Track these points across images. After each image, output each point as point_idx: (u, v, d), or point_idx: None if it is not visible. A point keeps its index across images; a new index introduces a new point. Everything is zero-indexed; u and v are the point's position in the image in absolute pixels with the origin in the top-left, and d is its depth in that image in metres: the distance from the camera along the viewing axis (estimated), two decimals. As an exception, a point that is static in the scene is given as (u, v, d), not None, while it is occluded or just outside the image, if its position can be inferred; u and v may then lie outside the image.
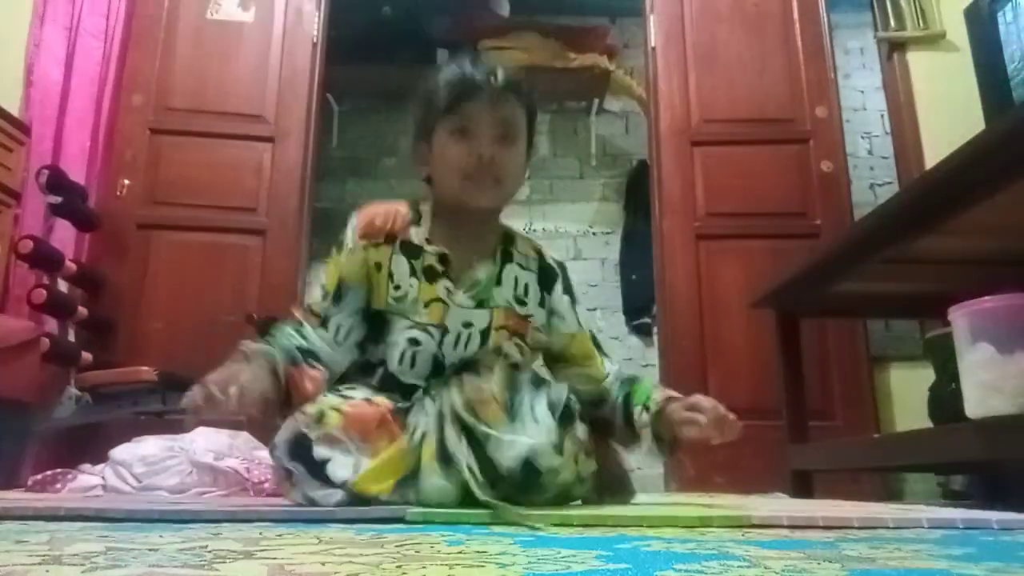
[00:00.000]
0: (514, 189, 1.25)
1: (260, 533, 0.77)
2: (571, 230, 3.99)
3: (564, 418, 1.08)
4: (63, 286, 2.46)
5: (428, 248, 1.23)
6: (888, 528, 0.87)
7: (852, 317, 2.61)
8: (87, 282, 2.61)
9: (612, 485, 1.26)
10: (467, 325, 1.22)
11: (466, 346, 1.22)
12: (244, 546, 0.64)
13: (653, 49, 3.04)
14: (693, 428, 1.22)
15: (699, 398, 1.25)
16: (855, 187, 2.98)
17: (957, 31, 2.82)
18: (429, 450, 1.05)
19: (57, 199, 2.49)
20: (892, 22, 3.01)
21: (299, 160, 2.90)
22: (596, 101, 4.05)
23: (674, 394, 1.30)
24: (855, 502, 1.69)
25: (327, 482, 1.06)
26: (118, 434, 2.18)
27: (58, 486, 1.90)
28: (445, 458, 1.03)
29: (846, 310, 2.28)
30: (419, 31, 3.95)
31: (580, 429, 1.12)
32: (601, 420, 1.30)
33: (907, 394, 2.60)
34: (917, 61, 3.00)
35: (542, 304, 1.31)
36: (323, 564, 0.53)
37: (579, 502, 1.16)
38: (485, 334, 1.23)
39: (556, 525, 0.86)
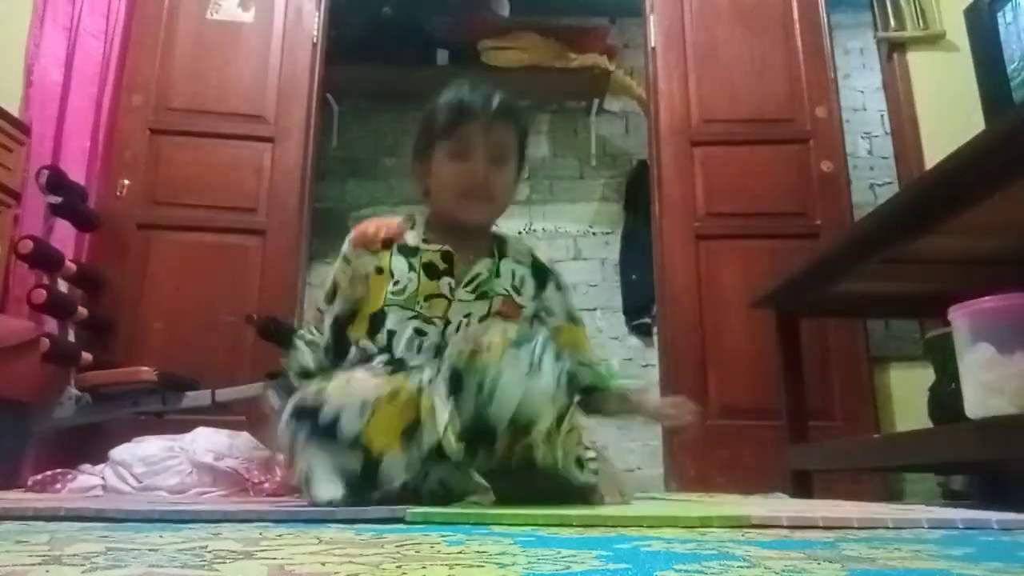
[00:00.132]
0: (505, 205, 1.35)
1: (260, 533, 0.77)
2: (571, 230, 3.99)
3: (569, 381, 1.13)
4: (63, 286, 2.46)
5: (427, 247, 1.31)
6: (888, 528, 0.87)
7: (852, 317, 2.61)
8: (87, 282, 2.61)
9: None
10: (467, 315, 1.29)
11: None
12: (244, 546, 0.64)
13: (653, 49, 3.04)
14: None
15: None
16: (855, 187, 2.97)
17: (957, 31, 2.82)
18: (428, 401, 1.09)
19: (57, 199, 2.49)
20: (892, 22, 3.01)
21: (299, 160, 2.89)
22: (596, 101, 4.04)
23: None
24: (855, 502, 1.69)
25: (337, 446, 1.08)
26: (118, 434, 2.18)
27: (58, 486, 1.90)
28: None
29: (846, 310, 2.28)
30: (419, 31, 3.95)
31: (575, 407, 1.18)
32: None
33: (907, 394, 2.60)
34: (917, 61, 3.00)
35: (535, 298, 1.37)
36: (323, 564, 0.53)
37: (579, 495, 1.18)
38: (483, 321, 1.29)
39: (556, 525, 0.86)
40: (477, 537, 0.73)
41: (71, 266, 2.47)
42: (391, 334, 1.27)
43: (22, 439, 2.29)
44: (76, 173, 2.67)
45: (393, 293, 1.29)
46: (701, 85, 2.96)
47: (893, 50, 3.03)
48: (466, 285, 1.30)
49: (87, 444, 2.34)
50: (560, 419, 1.11)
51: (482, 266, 1.33)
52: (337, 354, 1.33)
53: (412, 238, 1.34)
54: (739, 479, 2.44)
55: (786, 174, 2.85)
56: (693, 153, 2.90)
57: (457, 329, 1.26)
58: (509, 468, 1.09)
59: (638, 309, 3.74)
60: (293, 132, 2.91)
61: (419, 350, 1.25)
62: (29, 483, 1.96)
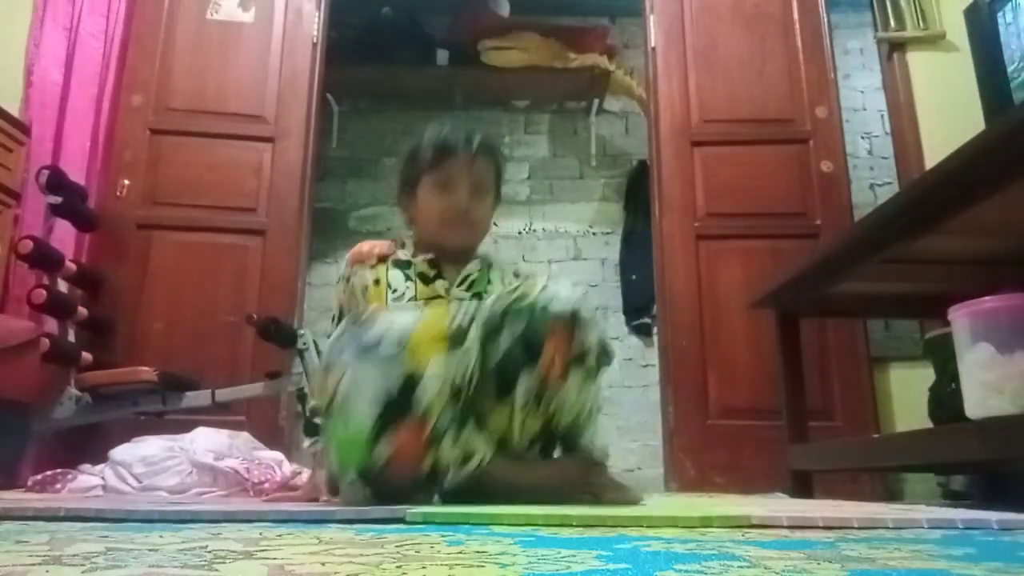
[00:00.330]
0: (485, 232, 1.49)
1: (260, 533, 0.77)
2: (571, 230, 3.99)
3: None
4: (63, 286, 2.46)
5: (416, 259, 1.43)
6: (888, 528, 0.87)
7: (852, 317, 2.61)
8: (87, 282, 2.61)
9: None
10: None
11: None
12: (244, 546, 0.64)
13: (653, 49, 3.04)
14: None
15: None
16: (855, 187, 2.97)
17: (957, 31, 2.82)
18: (469, 330, 1.20)
19: (57, 199, 2.49)
20: (892, 22, 3.01)
21: (299, 160, 2.89)
22: (596, 101, 4.04)
23: None
24: (855, 502, 1.69)
25: (379, 363, 1.12)
26: (118, 434, 2.18)
27: (58, 486, 1.90)
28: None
29: (846, 310, 2.28)
30: (419, 31, 3.95)
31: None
32: None
33: (907, 394, 2.60)
34: (917, 61, 2.99)
35: None
36: (323, 564, 0.53)
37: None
38: None
39: (556, 525, 0.86)
40: (477, 537, 0.73)
41: (71, 266, 2.47)
42: None
43: (22, 439, 2.29)
44: (76, 173, 2.67)
45: (394, 300, 1.39)
46: (701, 85, 2.96)
47: (893, 50, 3.03)
48: (459, 284, 1.42)
49: (87, 444, 2.34)
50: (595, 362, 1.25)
51: (472, 267, 1.45)
52: None
53: (404, 254, 1.46)
54: (739, 479, 2.44)
55: (786, 174, 2.85)
56: (693, 153, 2.90)
57: None
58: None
59: (638, 309, 3.74)
60: (293, 132, 2.91)
61: None
62: (29, 483, 1.96)
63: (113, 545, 0.65)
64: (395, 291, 1.40)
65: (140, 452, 1.94)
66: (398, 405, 1.12)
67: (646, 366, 3.62)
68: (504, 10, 3.97)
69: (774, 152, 2.88)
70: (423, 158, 1.42)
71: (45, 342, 2.26)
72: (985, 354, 1.33)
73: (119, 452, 1.97)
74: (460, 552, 0.61)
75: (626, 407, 3.56)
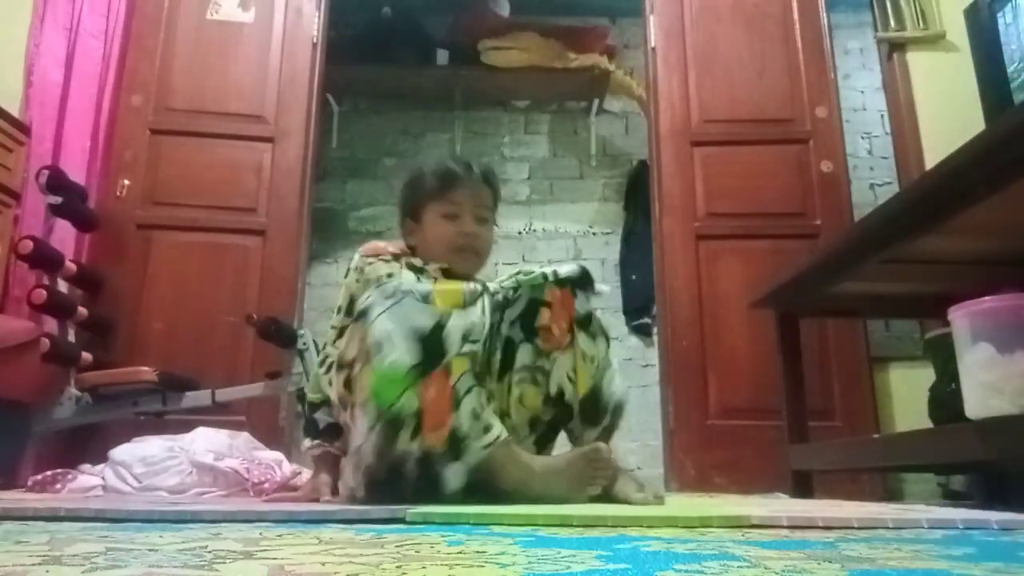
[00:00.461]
0: (487, 258, 1.52)
1: (260, 533, 0.77)
2: (571, 230, 3.99)
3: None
4: (63, 286, 2.46)
5: (430, 267, 1.43)
6: (888, 528, 0.87)
7: (852, 317, 2.61)
8: (87, 282, 2.61)
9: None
10: None
11: None
12: (244, 546, 0.64)
13: (653, 49, 3.04)
14: None
15: None
16: (855, 187, 2.97)
17: (957, 31, 2.82)
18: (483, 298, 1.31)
19: (57, 199, 2.49)
20: (892, 22, 3.00)
21: (299, 160, 2.89)
22: (596, 101, 4.04)
23: None
24: (855, 502, 1.69)
25: (410, 309, 1.20)
26: (118, 434, 2.18)
27: (58, 486, 1.90)
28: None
29: (846, 310, 2.28)
30: (419, 31, 3.95)
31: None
32: None
33: (907, 394, 2.60)
34: (917, 61, 2.99)
35: None
36: (323, 564, 0.53)
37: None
38: None
39: (556, 525, 0.86)
40: (477, 537, 0.74)
41: (71, 266, 2.47)
42: None
43: (22, 439, 2.29)
44: (76, 173, 2.67)
45: None
46: (701, 85, 2.96)
47: (893, 50, 3.03)
48: None
49: (87, 444, 2.34)
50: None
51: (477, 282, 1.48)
52: None
53: (416, 262, 1.46)
54: (739, 479, 2.44)
55: (786, 174, 2.85)
56: (693, 153, 2.90)
57: None
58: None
59: (638, 309, 3.74)
60: (293, 132, 2.91)
61: None
62: (29, 483, 1.96)
63: (113, 545, 0.65)
64: None
65: (140, 452, 1.94)
66: (429, 346, 1.19)
67: (646, 366, 3.62)
68: (504, 10, 3.97)
69: (774, 152, 2.88)
70: (428, 186, 1.46)
71: (45, 342, 2.26)
72: (985, 354, 1.33)
73: (119, 452, 1.97)
74: (460, 552, 0.61)
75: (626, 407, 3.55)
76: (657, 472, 2.77)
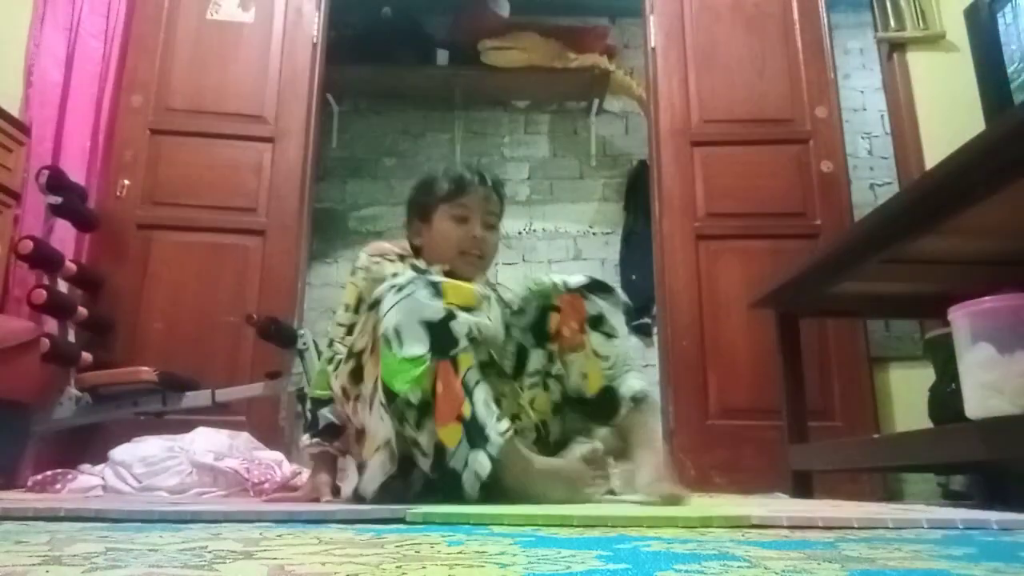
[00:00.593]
0: (492, 262, 1.56)
1: (260, 533, 0.77)
2: (571, 230, 3.99)
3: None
4: (63, 286, 2.46)
5: (433, 268, 1.45)
6: (888, 528, 0.87)
7: (852, 317, 2.61)
8: (87, 282, 2.61)
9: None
10: None
11: None
12: (244, 546, 0.64)
13: (653, 49, 3.04)
14: None
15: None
16: (855, 187, 2.97)
17: (957, 31, 2.82)
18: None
19: (57, 199, 2.49)
20: (892, 22, 3.00)
21: (299, 160, 2.89)
22: (596, 101, 4.04)
23: None
24: (855, 502, 1.69)
25: (420, 304, 1.24)
26: (118, 434, 2.18)
27: (58, 486, 1.90)
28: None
29: (846, 310, 2.28)
30: (419, 31, 3.95)
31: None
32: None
33: (907, 394, 2.60)
34: (917, 61, 2.99)
35: None
36: (323, 564, 0.53)
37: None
38: None
39: (556, 525, 0.86)
40: (477, 537, 0.74)
41: (71, 266, 2.47)
42: None
43: (22, 439, 2.29)
44: (76, 173, 2.67)
45: None
46: (701, 85, 2.96)
47: (893, 50, 3.03)
48: None
49: (87, 444, 2.34)
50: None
51: (480, 281, 1.50)
52: None
53: (420, 264, 1.49)
54: (739, 479, 2.44)
55: (786, 174, 2.85)
56: (693, 153, 2.90)
57: None
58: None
59: (638, 309, 3.74)
60: (293, 132, 2.91)
61: None
62: (29, 483, 1.96)
63: (113, 545, 0.65)
64: None
65: (140, 452, 1.94)
66: (439, 336, 1.22)
67: (646, 366, 3.62)
68: (504, 10, 3.97)
69: (774, 152, 2.88)
70: (440, 189, 1.50)
71: (45, 342, 2.26)
72: (985, 354, 1.33)
73: (119, 452, 1.97)
74: (460, 552, 0.61)
75: (626, 407, 3.55)
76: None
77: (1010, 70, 2.32)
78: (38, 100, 2.77)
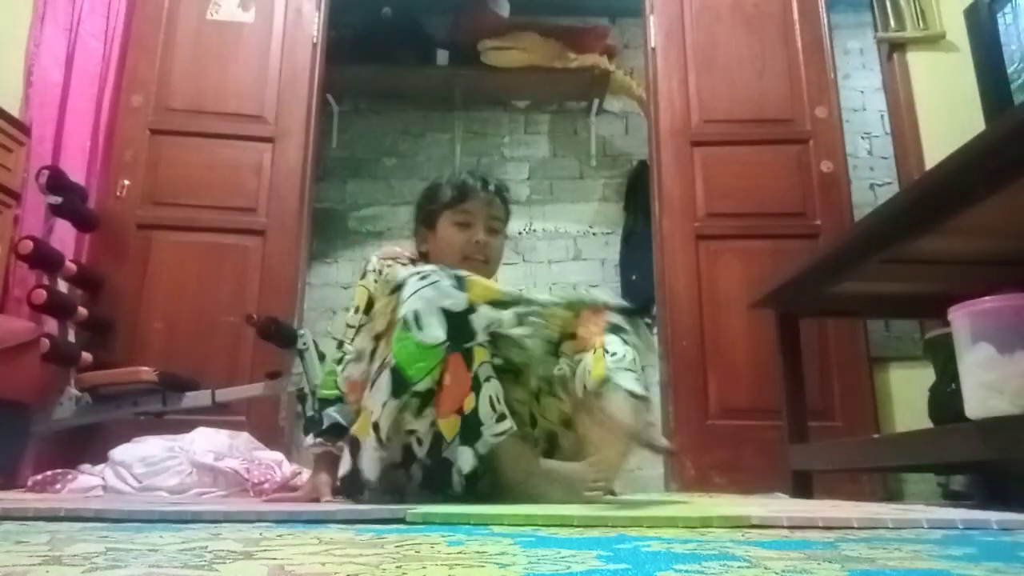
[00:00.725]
0: (497, 267, 1.59)
1: (260, 534, 0.77)
2: (571, 230, 3.99)
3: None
4: (63, 286, 2.46)
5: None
6: (888, 528, 0.87)
7: (852, 317, 2.61)
8: (87, 282, 2.61)
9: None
10: None
11: None
12: (244, 547, 0.64)
13: (653, 49, 3.04)
14: None
15: None
16: (855, 187, 2.97)
17: (957, 31, 2.82)
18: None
19: (57, 199, 2.49)
20: (892, 22, 3.00)
21: (299, 160, 2.89)
22: (596, 101, 4.04)
23: None
24: (855, 502, 1.69)
25: (441, 293, 1.26)
26: (118, 434, 2.18)
27: (58, 486, 1.90)
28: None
29: (846, 310, 2.28)
30: (419, 31, 3.95)
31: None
32: None
33: (907, 394, 2.60)
34: (917, 61, 2.99)
35: None
36: (323, 564, 0.53)
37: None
38: None
39: (556, 525, 0.86)
40: (477, 537, 0.74)
41: (71, 266, 2.47)
42: None
43: (22, 439, 2.29)
44: (76, 173, 2.67)
45: None
46: (701, 85, 2.96)
47: (893, 50, 3.03)
48: None
49: (87, 444, 2.34)
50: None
51: None
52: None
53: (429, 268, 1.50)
54: (739, 479, 2.44)
55: (786, 174, 2.85)
56: (693, 153, 2.90)
57: None
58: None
59: (638, 309, 3.74)
60: (293, 132, 2.91)
61: None
62: (29, 483, 1.96)
63: (113, 545, 0.65)
64: None
65: (140, 452, 1.94)
66: (457, 326, 1.24)
67: (646, 367, 3.62)
68: (504, 10, 3.97)
69: (774, 152, 2.88)
70: (444, 196, 1.53)
71: (45, 342, 2.26)
72: (985, 354, 1.33)
73: (119, 452, 1.97)
74: (460, 552, 0.61)
75: (626, 407, 3.55)
76: (657, 472, 2.77)
77: (1010, 70, 2.32)
78: (38, 100, 2.77)
